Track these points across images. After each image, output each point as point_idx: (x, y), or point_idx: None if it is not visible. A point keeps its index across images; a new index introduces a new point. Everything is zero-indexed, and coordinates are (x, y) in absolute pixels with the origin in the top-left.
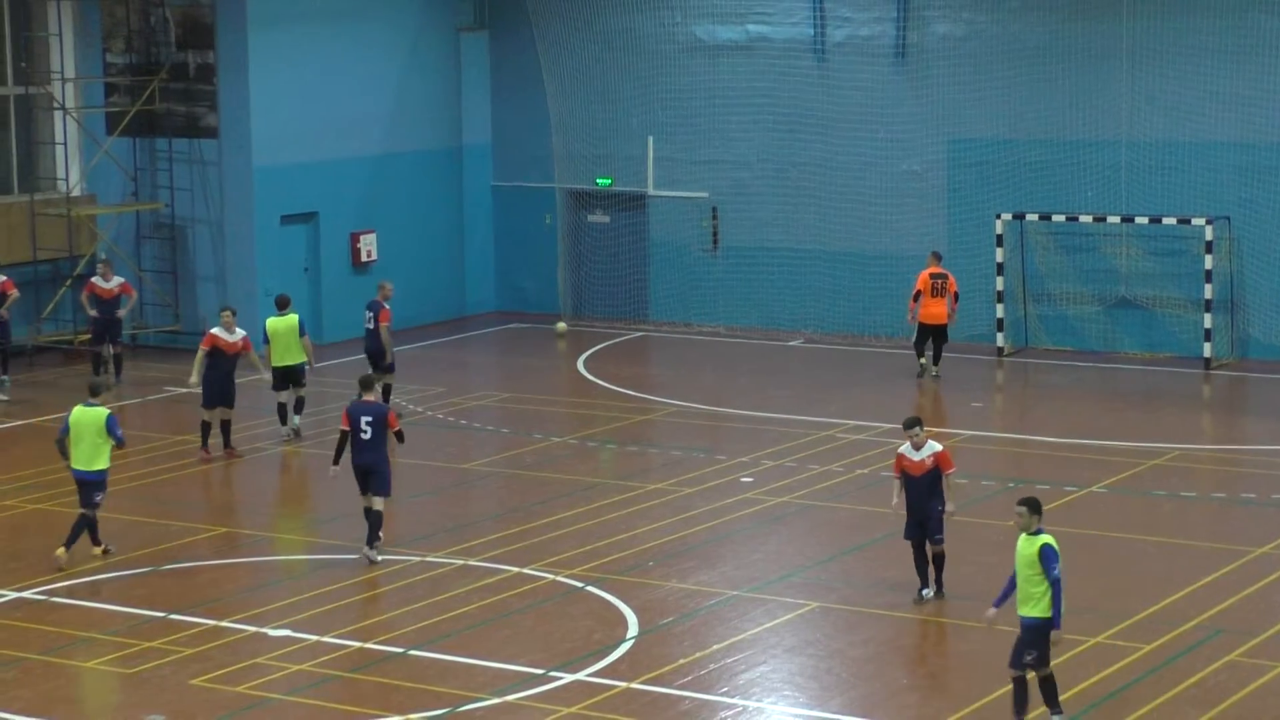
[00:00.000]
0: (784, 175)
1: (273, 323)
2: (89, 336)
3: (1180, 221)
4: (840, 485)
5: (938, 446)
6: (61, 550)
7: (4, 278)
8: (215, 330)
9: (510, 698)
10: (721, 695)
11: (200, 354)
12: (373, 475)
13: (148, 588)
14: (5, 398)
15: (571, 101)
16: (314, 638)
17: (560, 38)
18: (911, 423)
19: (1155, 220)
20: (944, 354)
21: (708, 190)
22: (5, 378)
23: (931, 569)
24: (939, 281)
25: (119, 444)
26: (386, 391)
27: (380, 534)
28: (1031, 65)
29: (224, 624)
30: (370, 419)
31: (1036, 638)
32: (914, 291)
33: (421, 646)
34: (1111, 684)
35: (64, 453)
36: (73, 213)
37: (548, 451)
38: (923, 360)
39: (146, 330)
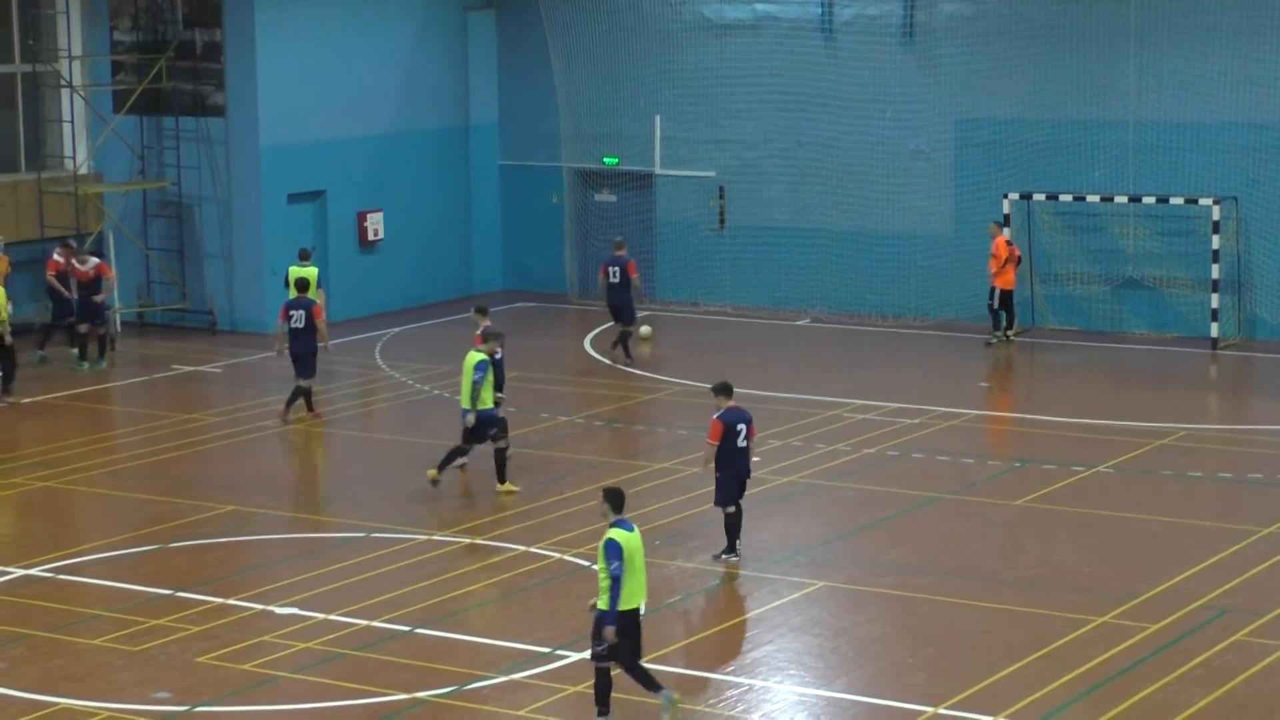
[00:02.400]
0: (791, 155)
1: (295, 271)
2: (71, 319)
3: (1188, 201)
4: (846, 464)
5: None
6: (505, 485)
7: None
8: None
9: (516, 676)
10: (727, 674)
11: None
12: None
13: (154, 565)
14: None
15: (579, 81)
16: (320, 615)
17: (567, 17)
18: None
19: (1163, 200)
20: (951, 334)
21: (715, 169)
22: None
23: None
24: (1013, 249)
25: (476, 385)
26: (625, 339)
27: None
28: (1039, 45)
29: (230, 602)
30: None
31: (599, 630)
32: (1003, 259)
33: (428, 625)
34: (1117, 664)
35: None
36: (80, 191)
37: (554, 430)
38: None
39: (153, 308)
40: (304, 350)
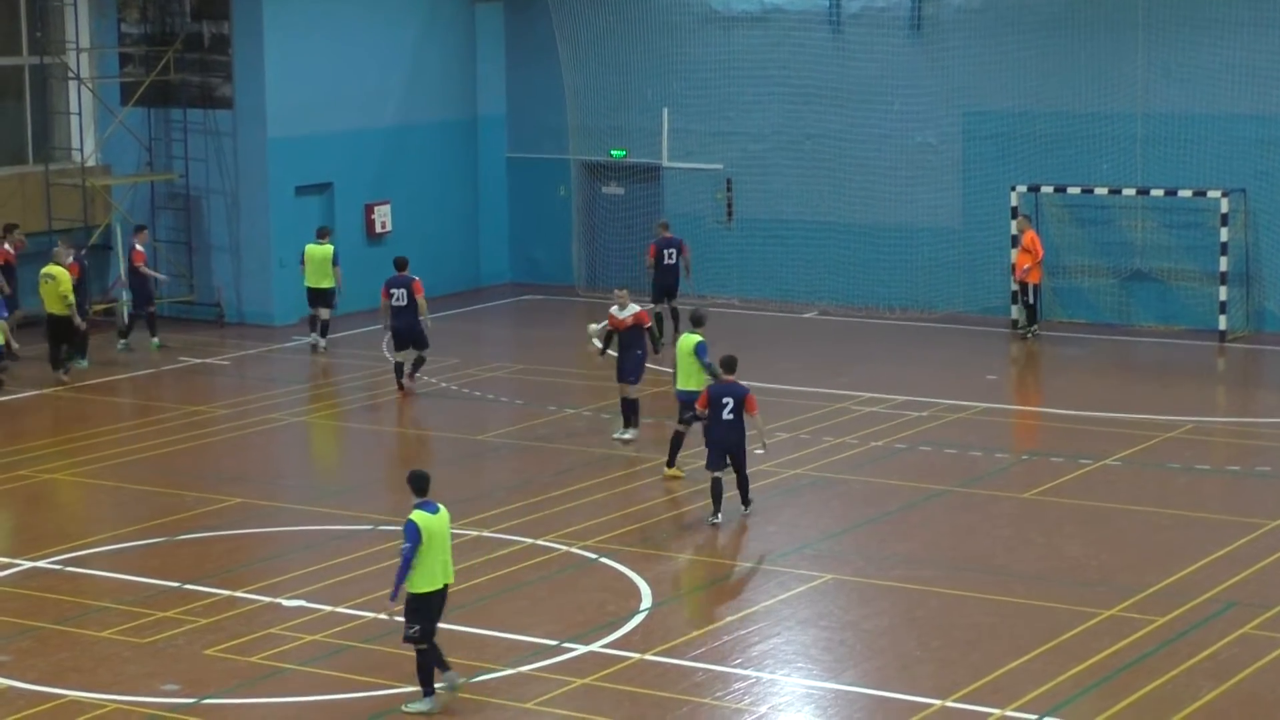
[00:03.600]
0: (799, 147)
1: (310, 249)
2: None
3: (1196, 194)
4: (854, 457)
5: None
6: (672, 469)
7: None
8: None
9: (524, 669)
10: (735, 667)
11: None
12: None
13: (162, 558)
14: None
15: (586, 73)
16: (328, 608)
17: (575, 9)
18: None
19: (1171, 193)
20: (959, 327)
21: (722, 162)
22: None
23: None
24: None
25: (705, 369)
26: (675, 315)
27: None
28: (1047, 37)
29: (238, 594)
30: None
31: (409, 612)
32: (1040, 255)
33: None
34: (1124, 657)
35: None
36: (88, 183)
37: (562, 423)
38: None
39: (161, 301)
40: (407, 325)
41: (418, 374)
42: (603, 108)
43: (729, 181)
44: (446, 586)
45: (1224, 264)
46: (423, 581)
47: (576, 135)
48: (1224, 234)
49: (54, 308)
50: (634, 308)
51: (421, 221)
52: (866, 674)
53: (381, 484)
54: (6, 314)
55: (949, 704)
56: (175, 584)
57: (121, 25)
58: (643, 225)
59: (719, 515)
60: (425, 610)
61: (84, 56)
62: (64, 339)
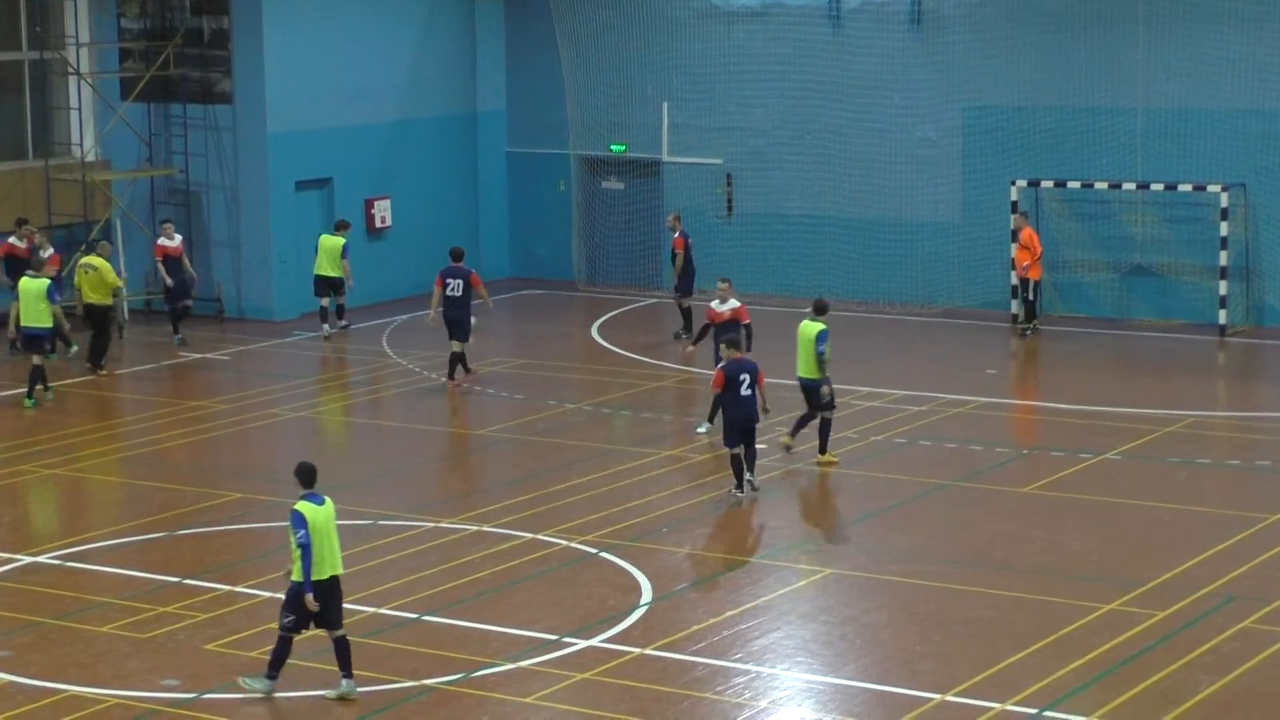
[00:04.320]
0: (799, 142)
1: (324, 238)
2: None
3: (1196, 188)
4: (854, 452)
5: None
6: (826, 455)
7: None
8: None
9: (524, 663)
10: (735, 661)
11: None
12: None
13: (162, 553)
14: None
15: (586, 68)
16: None
17: (575, 4)
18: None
19: (1171, 187)
20: (959, 321)
21: (722, 157)
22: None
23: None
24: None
25: (820, 356)
26: (687, 315)
27: None
28: (1047, 31)
29: (239, 589)
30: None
31: (289, 600)
32: (1039, 252)
33: (435, 612)
34: (1124, 651)
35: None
36: (87, 178)
37: (562, 418)
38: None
39: (161, 295)
40: (459, 316)
41: (459, 372)
42: (603, 103)
43: (729, 176)
44: (336, 578)
45: (1224, 258)
46: (313, 570)
47: (576, 130)
48: (1224, 228)
49: (94, 297)
50: (734, 303)
51: (421, 217)
52: (867, 668)
53: (382, 479)
54: (59, 297)
55: (949, 698)
56: (176, 579)
57: (121, 20)
58: (643, 220)
59: (742, 490)
60: (316, 597)
61: (84, 51)
62: (102, 328)
